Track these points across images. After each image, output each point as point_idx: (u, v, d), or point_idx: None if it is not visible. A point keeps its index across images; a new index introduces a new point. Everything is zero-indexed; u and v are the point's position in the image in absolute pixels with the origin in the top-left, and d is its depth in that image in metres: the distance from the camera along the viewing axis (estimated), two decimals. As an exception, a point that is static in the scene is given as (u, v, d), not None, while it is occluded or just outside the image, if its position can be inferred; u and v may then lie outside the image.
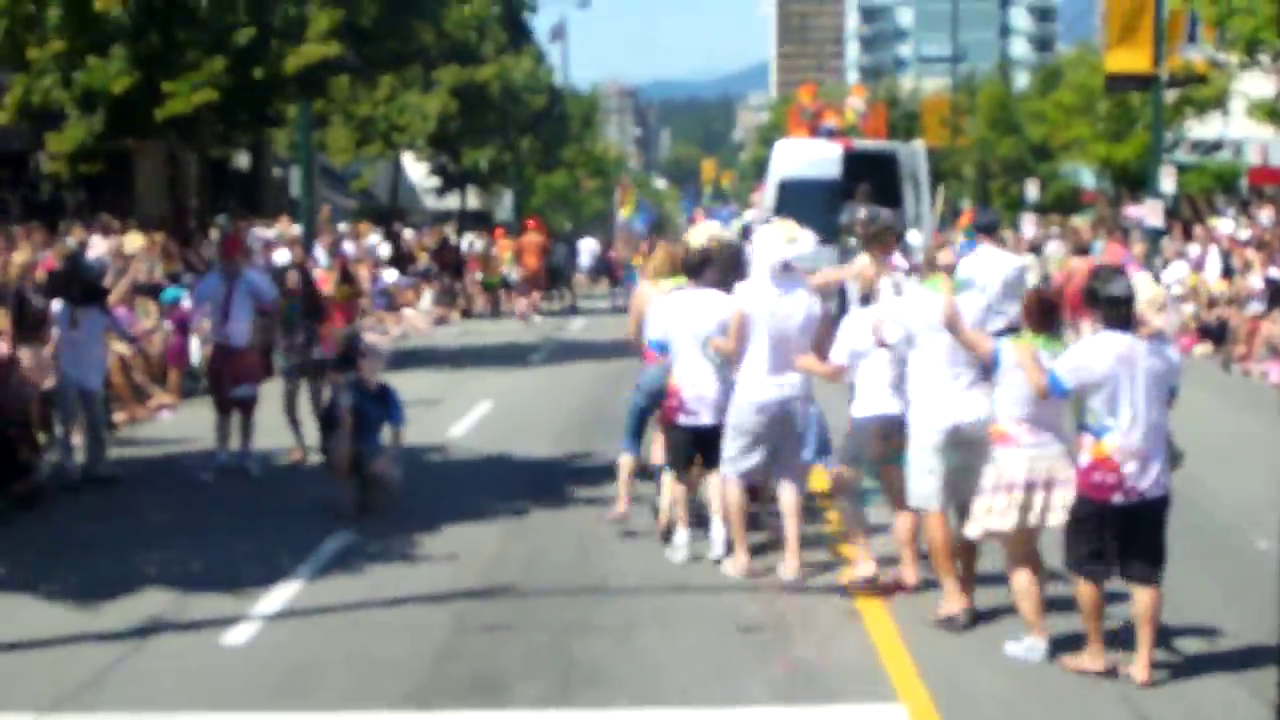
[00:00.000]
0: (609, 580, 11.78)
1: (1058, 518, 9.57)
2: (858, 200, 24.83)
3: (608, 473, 15.36)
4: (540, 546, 13.02)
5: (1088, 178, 59.79)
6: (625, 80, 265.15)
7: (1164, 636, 9.82)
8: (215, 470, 16.28)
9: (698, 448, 12.28)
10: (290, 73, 25.38)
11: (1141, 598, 9.35)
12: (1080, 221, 51.35)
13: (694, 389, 12.19)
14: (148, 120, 25.38)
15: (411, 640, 10.19)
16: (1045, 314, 9.81)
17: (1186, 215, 47.33)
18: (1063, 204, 61.90)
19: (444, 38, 33.90)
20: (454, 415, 20.53)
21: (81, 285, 16.28)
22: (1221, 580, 12.06)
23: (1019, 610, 9.89)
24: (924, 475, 10.46)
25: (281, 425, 17.04)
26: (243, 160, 45.24)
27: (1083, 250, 28.07)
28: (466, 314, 41.67)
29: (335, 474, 14.43)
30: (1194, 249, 34.57)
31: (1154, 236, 38.08)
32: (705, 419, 12.14)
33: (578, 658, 9.81)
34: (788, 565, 11.65)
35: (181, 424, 19.77)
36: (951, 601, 10.46)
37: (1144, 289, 9.49)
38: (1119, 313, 9.21)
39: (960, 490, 10.30)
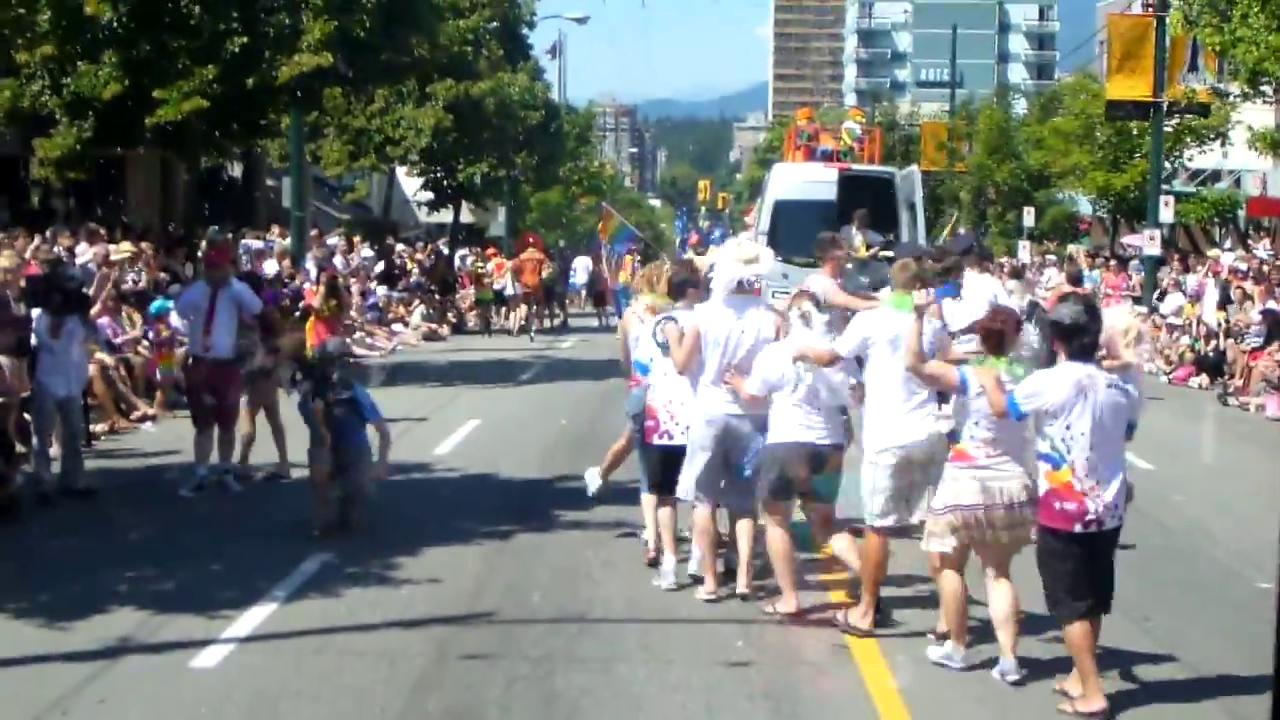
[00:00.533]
0: (594, 609, 11.46)
1: (1006, 537, 9.64)
2: (855, 225, 24.89)
3: (592, 496, 15.12)
4: (524, 572, 12.69)
5: (1085, 205, 59.57)
6: (622, 99, 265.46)
7: (1159, 674, 9.81)
8: (194, 486, 15.93)
9: (670, 470, 12.02)
10: (282, 82, 25.10)
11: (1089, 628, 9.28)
12: (1076, 249, 51.18)
13: (668, 410, 12.04)
14: (138, 127, 25.09)
15: (388, 668, 9.86)
16: (998, 338, 9.85)
17: (1184, 245, 47.17)
18: (1060, 231, 61.68)
19: (439, 51, 33.63)
20: (441, 433, 20.22)
21: (62, 293, 15.96)
22: (1218, 618, 11.78)
23: (943, 614, 9.99)
24: (875, 495, 10.51)
25: (263, 439, 16.68)
26: (236, 170, 45.00)
27: (1076, 278, 27.88)
28: (457, 329, 41.41)
29: (314, 487, 14.11)
30: (1191, 280, 34.37)
31: (1152, 266, 37.92)
32: (679, 440, 11.93)
33: (560, 690, 9.49)
34: (739, 582, 11.56)
35: (164, 437, 19.41)
36: (867, 615, 10.63)
37: (1118, 320, 9.59)
38: (1073, 342, 9.15)
39: (909, 506, 10.60)
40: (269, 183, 45.53)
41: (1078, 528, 9.12)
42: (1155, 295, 36.46)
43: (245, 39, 24.89)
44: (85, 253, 22.94)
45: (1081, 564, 9.20)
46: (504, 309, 42.88)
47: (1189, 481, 17.76)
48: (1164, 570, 13.24)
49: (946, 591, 9.88)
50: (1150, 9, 38.98)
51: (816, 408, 10.87)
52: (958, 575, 9.85)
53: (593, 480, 13.91)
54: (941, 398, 10.48)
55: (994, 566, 9.80)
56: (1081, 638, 9.21)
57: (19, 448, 16.29)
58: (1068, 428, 9.07)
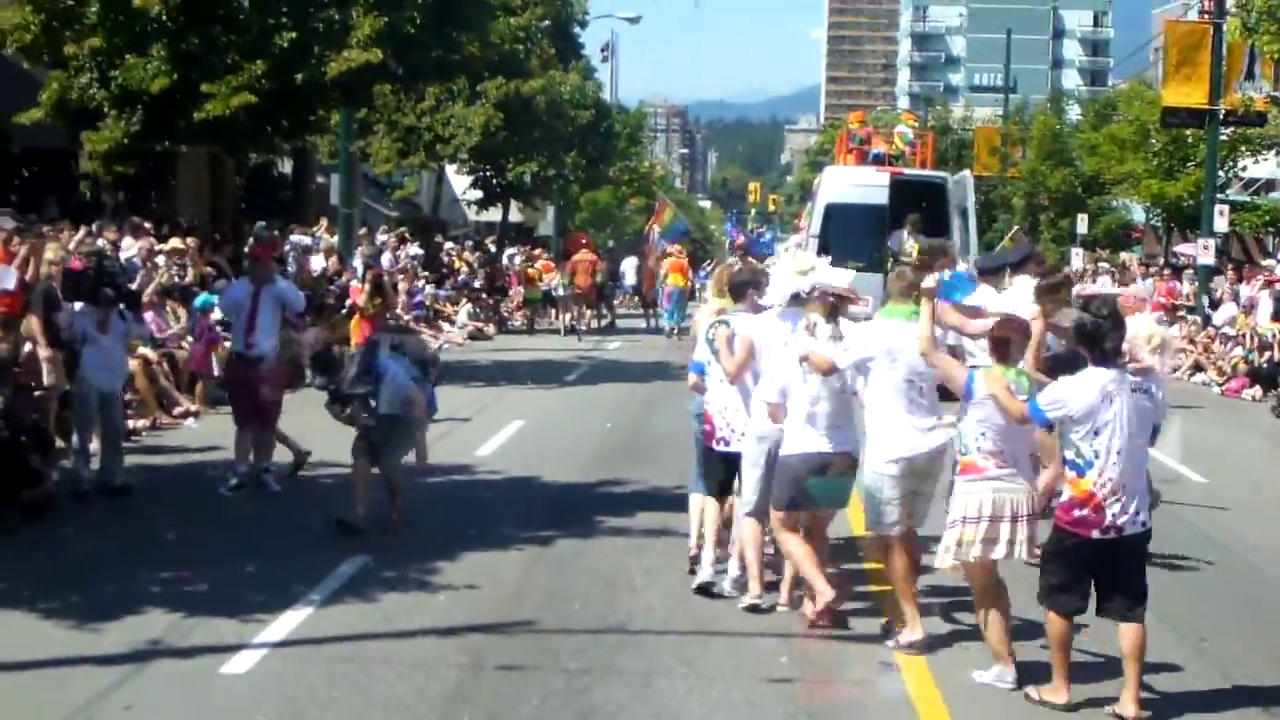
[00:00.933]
0: (634, 619, 11.20)
1: (1022, 550, 9.58)
2: (907, 230, 24.64)
3: (637, 501, 14.96)
4: (564, 579, 12.43)
5: (1138, 213, 59.12)
6: (673, 100, 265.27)
7: (1216, 701, 9.56)
8: (234, 485, 15.76)
9: (731, 475, 11.87)
10: (331, 78, 24.90)
11: (1126, 635, 9.16)
12: (1129, 257, 50.73)
13: (723, 416, 11.83)
14: (185, 122, 24.95)
15: (422, 678, 9.62)
16: (1005, 347, 9.84)
17: (1237, 255, 46.66)
18: (1113, 239, 61.22)
19: (489, 49, 33.43)
20: (483, 434, 20.00)
21: (113, 288, 15.85)
22: (1268, 638, 11.46)
23: (986, 639, 9.81)
24: (883, 505, 10.41)
25: (302, 439, 16.50)
26: (286, 166, 44.92)
27: (1127, 286, 27.62)
28: (502, 329, 41.34)
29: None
30: (1245, 290, 33.91)
31: (1205, 275, 37.49)
32: (735, 447, 11.72)
33: (597, 704, 9.24)
34: (781, 594, 11.44)
35: (206, 433, 19.26)
36: (915, 627, 10.42)
37: (1141, 327, 9.58)
38: (1097, 347, 9.09)
39: (912, 515, 10.53)
40: (319, 179, 45.44)
41: (1095, 534, 9.05)
42: (1208, 305, 36.05)
43: (294, 34, 24.72)
44: (130, 247, 22.82)
45: (1086, 567, 9.15)
46: (554, 309, 42.85)
47: (1244, 497, 17.41)
48: (1221, 589, 12.92)
49: (985, 619, 9.77)
50: (1207, 16, 38.56)
51: (828, 415, 10.70)
52: (992, 600, 9.72)
53: None
54: (945, 395, 10.39)
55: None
56: (1060, 632, 9.25)
57: (58, 443, 16.21)
58: (1095, 434, 8.98)
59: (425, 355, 14.72)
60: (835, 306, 11.00)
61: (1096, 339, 9.09)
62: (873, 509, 10.49)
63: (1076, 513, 9.05)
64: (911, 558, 10.59)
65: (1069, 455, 9.11)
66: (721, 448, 11.87)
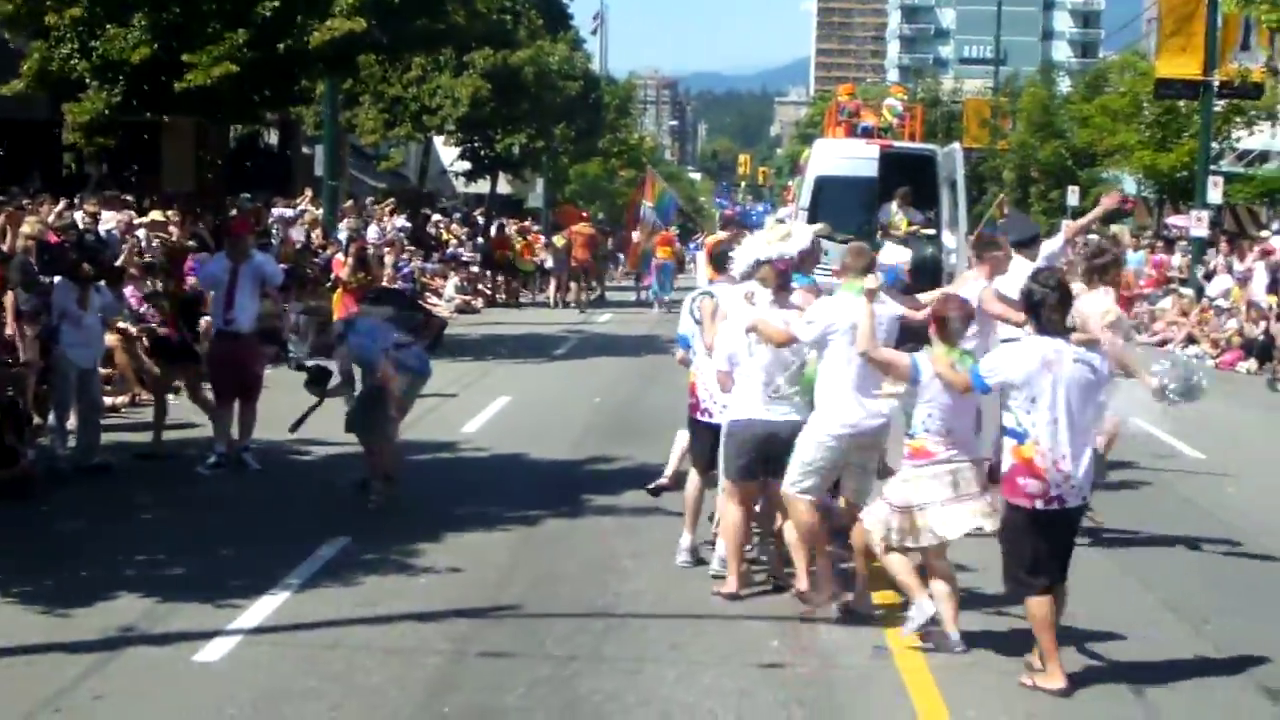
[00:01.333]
0: (621, 603, 10.90)
1: (987, 523, 9.54)
2: (896, 202, 24.47)
3: (627, 479, 14.69)
4: (550, 562, 12.14)
5: (1130, 185, 58.85)
6: (663, 72, 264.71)
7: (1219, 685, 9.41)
8: (212, 464, 15.46)
9: (716, 446, 11.51)
10: (315, 48, 24.48)
11: (1042, 604, 9.10)
12: (1120, 229, 50.43)
13: (708, 387, 11.62)
14: (168, 92, 24.53)
15: (402, 666, 9.32)
16: (945, 326, 9.80)
17: (1230, 227, 46.37)
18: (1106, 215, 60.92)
19: (476, 19, 33.02)
20: (470, 411, 19.71)
21: (93, 263, 15.57)
22: (1264, 611, 11.23)
23: (895, 584, 9.92)
24: (808, 469, 10.36)
25: (285, 416, 16.17)
26: (272, 137, 44.52)
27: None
28: (492, 302, 41.15)
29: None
30: (1239, 263, 33.62)
31: (1199, 248, 37.24)
32: (718, 419, 11.44)
33: (583, 694, 8.94)
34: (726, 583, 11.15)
35: (186, 408, 18.88)
36: (800, 579, 10.53)
37: (1097, 304, 10.01)
38: (1042, 315, 9.10)
39: (854, 488, 10.56)
40: (305, 150, 45.07)
41: (1039, 504, 8.97)
42: (1202, 276, 35.80)
43: (277, 3, 24.30)
44: (109, 220, 22.47)
45: (1042, 542, 9.06)
46: (550, 281, 42.77)
47: (1243, 472, 17.13)
48: (1223, 569, 12.62)
49: (891, 566, 9.83)
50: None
51: (775, 385, 10.67)
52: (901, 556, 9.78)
53: None
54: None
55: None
56: (1042, 614, 9.06)
57: (35, 419, 15.90)
58: (1032, 400, 8.96)
59: (415, 321, 14.52)
60: (785, 275, 10.91)
61: (1040, 307, 9.09)
62: (797, 469, 10.39)
63: (1020, 480, 8.99)
64: (815, 518, 10.44)
65: (1009, 423, 9.11)
66: (705, 419, 11.67)
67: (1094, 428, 9.40)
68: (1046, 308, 9.08)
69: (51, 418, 15.61)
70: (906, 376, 9.70)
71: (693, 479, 11.92)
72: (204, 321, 18.01)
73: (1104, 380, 9.33)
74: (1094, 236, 43.85)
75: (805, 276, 11.45)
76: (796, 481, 10.40)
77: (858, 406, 10.25)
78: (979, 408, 9.94)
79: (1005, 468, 9.15)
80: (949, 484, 9.59)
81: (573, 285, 42.34)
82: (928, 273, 20.27)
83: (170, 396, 19.69)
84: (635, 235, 41.53)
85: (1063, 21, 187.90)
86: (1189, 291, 35.13)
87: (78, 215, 21.21)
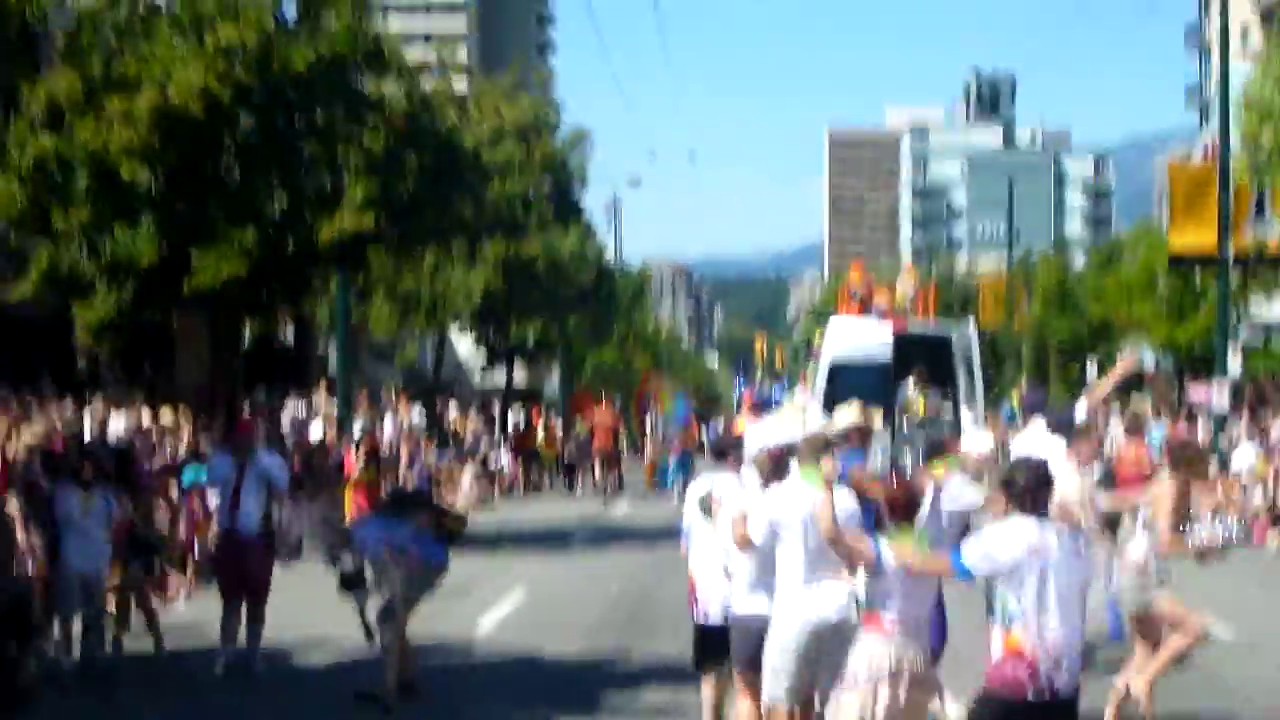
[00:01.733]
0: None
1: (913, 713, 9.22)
2: (914, 383, 24.24)
3: (642, 676, 14.25)
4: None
5: (1149, 358, 58.76)
6: (678, 258, 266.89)
7: None
8: (220, 668, 15.08)
9: (714, 651, 11.14)
10: (324, 244, 24.51)
11: None
12: (1139, 398, 50.17)
13: (703, 581, 11.31)
14: (178, 292, 24.52)
15: None
16: (907, 510, 9.56)
17: (1251, 400, 46.08)
18: (1124, 384, 60.77)
19: (486, 212, 33.13)
20: (484, 606, 19.33)
21: (96, 469, 15.34)
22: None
23: None
24: (776, 674, 9.97)
25: (292, 619, 15.86)
26: (288, 334, 44.58)
27: (1137, 431, 27.02)
28: (509, 492, 41.09)
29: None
30: (1274, 433, 33.21)
31: (1219, 422, 36.93)
32: (714, 617, 11.11)
33: None
34: None
35: (196, 611, 18.57)
36: None
37: (1074, 489, 9.95)
38: (1025, 499, 8.75)
39: (817, 679, 9.94)
40: (320, 346, 45.16)
41: (1030, 696, 8.48)
42: (1228, 448, 35.41)
43: (285, 203, 24.35)
44: (116, 422, 22.27)
45: None
46: (576, 472, 43.43)
47: (1270, 655, 16.57)
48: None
49: None
50: (1211, 156, 38.32)
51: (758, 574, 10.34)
52: None
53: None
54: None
55: None
56: None
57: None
58: (1020, 584, 8.56)
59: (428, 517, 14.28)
60: (782, 462, 10.52)
61: (1023, 496, 8.76)
62: (767, 676, 10.03)
63: (1009, 670, 8.56)
64: None
65: (996, 609, 8.83)
66: (700, 620, 11.34)
67: (1083, 615, 8.90)
68: (1029, 492, 8.76)
69: (56, 627, 15.27)
70: (872, 565, 9.27)
71: (707, 679, 11.50)
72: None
73: (1089, 562, 9.12)
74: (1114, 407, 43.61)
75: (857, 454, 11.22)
76: (769, 689, 10.03)
77: (815, 601, 9.90)
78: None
79: (995, 656, 8.86)
80: (894, 660, 9.16)
81: (594, 473, 42.09)
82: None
83: (180, 600, 19.49)
84: (647, 450, 41.59)
85: (1075, 197, 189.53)
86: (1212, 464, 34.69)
87: (86, 419, 21.02)
